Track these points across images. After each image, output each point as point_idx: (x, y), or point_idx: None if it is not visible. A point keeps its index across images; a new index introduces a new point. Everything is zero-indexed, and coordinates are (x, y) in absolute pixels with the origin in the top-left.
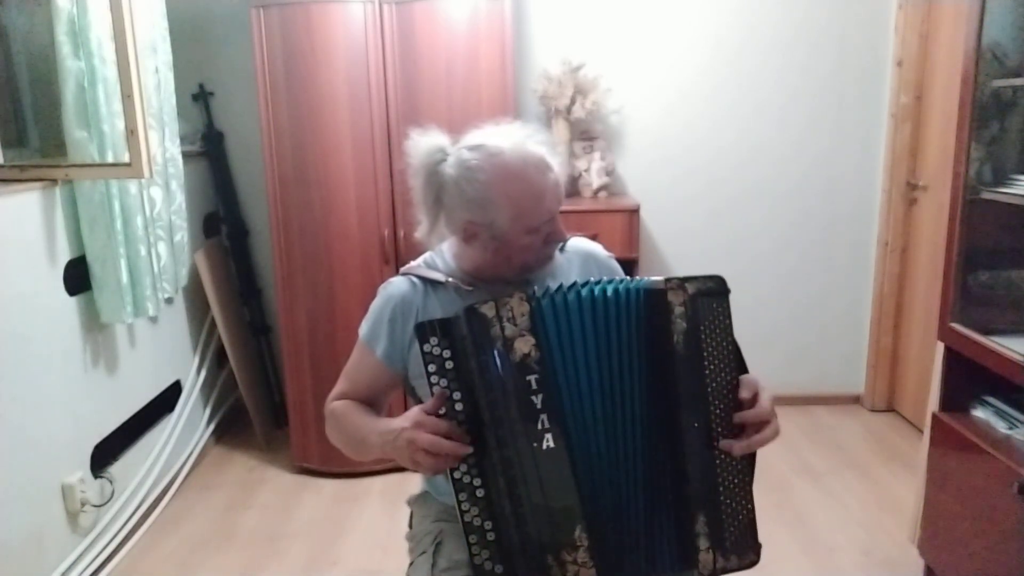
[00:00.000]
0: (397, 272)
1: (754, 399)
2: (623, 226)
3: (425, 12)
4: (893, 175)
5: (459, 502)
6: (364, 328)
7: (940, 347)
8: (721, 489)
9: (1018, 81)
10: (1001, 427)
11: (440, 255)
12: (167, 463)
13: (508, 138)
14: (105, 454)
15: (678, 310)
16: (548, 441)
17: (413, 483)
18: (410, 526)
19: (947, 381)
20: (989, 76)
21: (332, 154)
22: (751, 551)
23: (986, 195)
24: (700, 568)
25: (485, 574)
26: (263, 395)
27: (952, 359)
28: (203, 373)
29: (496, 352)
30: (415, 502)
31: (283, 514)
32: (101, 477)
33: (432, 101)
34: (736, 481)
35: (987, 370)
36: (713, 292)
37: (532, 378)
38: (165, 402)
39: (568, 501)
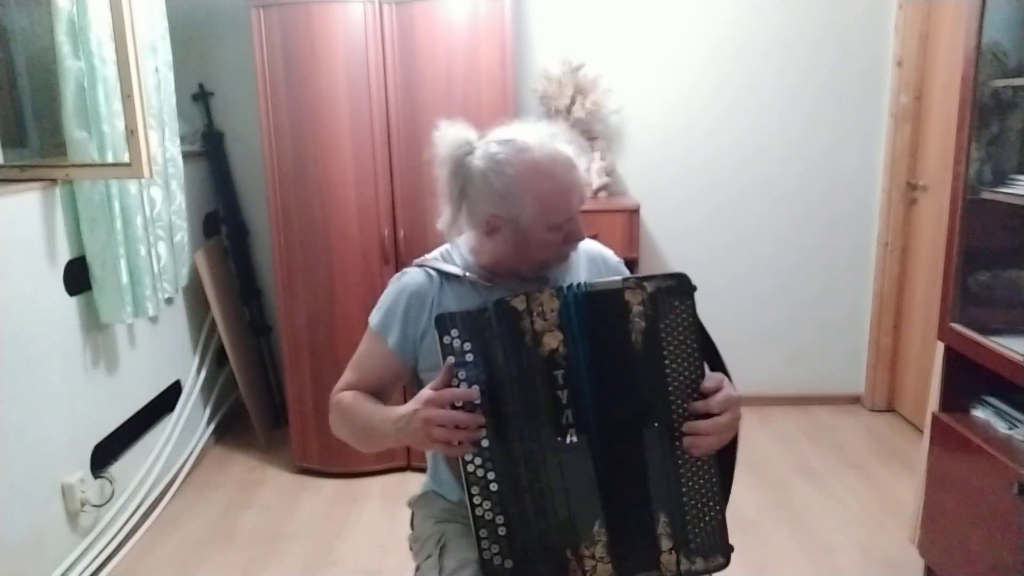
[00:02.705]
0: (397, 272)
1: (715, 394)
2: (623, 226)
3: (425, 12)
4: (893, 175)
5: (470, 496)
6: (376, 317)
7: (940, 347)
8: (685, 490)
9: (1018, 81)
10: (1001, 427)
11: (456, 249)
12: (167, 463)
13: (537, 135)
14: (105, 454)
15: (636, 309)
16: (572, 436)
17: (413, 483)
18: (412, 527)
19: (947, 381)
20: (989, 76)
21: (332, 154)
22: (719, 554)
23: (986, 195)
24: (662, 569)
25: (494, 569)
26: (263, 395)
27: (952, 359)
28: (203, 373)
29: (525, 346)
30: (416, 503)
31: (283, 514)
32: (101, 477)
33: (432, 101)
34: (702, 482)
35: (987, 370)
36: (674, 291)
37: (559, 373)
38: (165, 402)
39: (589, 496)
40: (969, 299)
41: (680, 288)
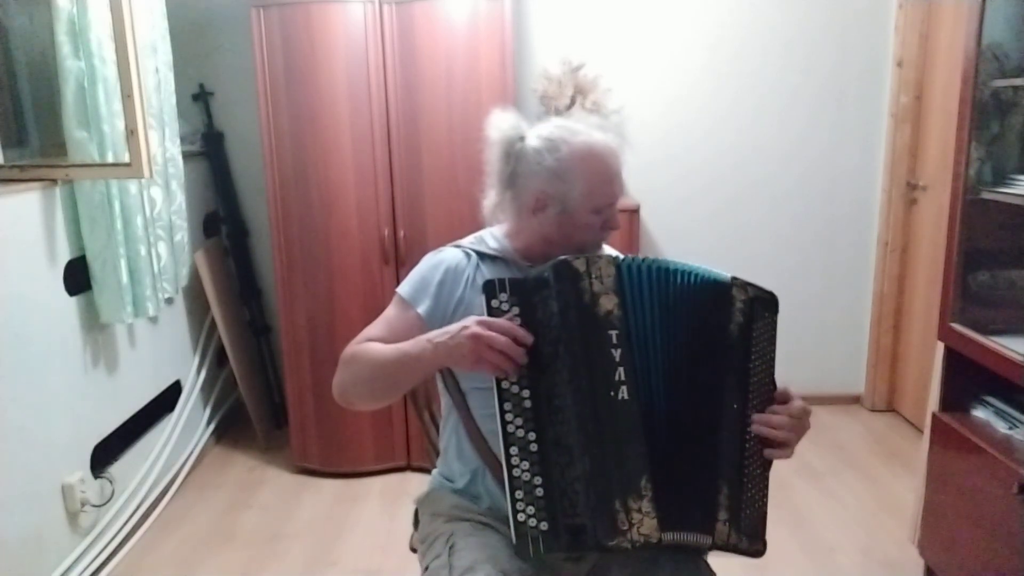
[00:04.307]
0: (397, 272)
1: (787, 400)
2: (623, 226)
3: (425, 12)
4: (893, 175)
5: (508, 456)
6: (406, 287)
7: (940, 347)
8: (745, 472)
9: (1018, 81)
10: (1001, 427)
11: (490, 236)
12: (167, 463)
13: (588, 124)
14: (105, 454)
15: (738, 305)
16: (623, 392)
17: (413, 483)
18: (415, 527)
19: (947, 381)
20: (989, 76)
21: (332, 154)
22: (760, 541)
23: (986, 195)
24: (715, 537)
25: (528, 531)
26: (263, 395)
27: (952, 359)
28: (203, 373)
29: (583, 304)
30: (424, 501)
31: (283, 514)
32: (101, 477)
33: (432, 101)
34: (758, 472)
35: (987, 370)
36: (767, 303)
37: (613, 333)
38: (165, 402)
39: (637, 451)
40: (969, 299)
41: (772, 303)
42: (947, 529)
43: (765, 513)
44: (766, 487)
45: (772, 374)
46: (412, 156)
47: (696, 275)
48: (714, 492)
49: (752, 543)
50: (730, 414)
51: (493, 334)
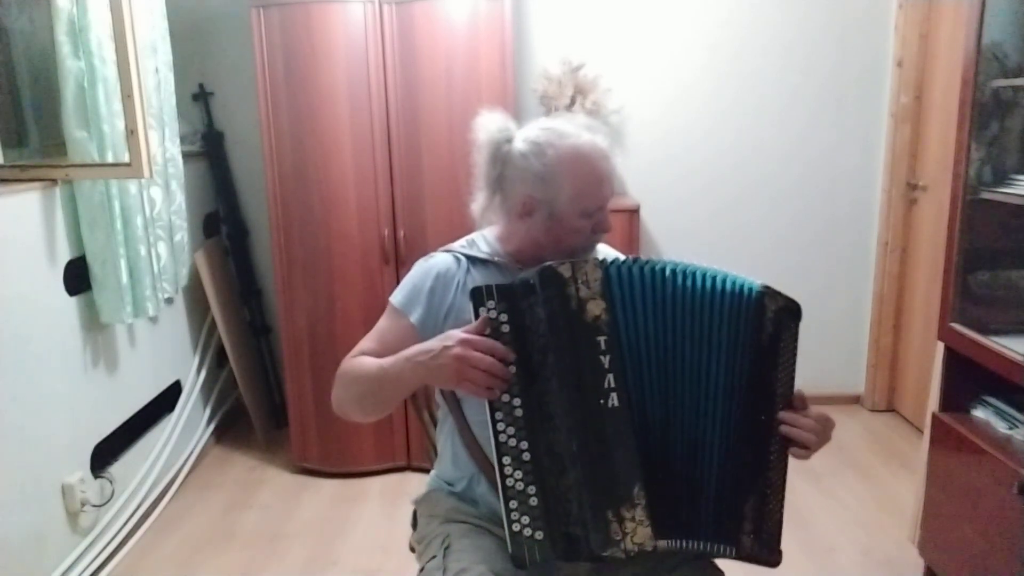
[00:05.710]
0: (397, 272)
1: (804, 408)
2: (623, 226)
3: (425, 12)
4: (893, 175)
5: (501, 467)
6: (398, 296)
7: (940, 347)
8: (769, 484)
9: (1018, 81)
10: (1001, 427)
11: (482, 238)
12: (167, 463)
13: (577, 126)
14: (105, 454)
15: (770, 314)
16: (613, 400)
17: (413, 483)
18: (413, 527)
19: (947, 381)
20: (989, 76)
21: (332, 154)
22: (776, 552)
23: (986, 195)
24: (738, 547)
25: (523, 540)
26: (263, 395)
27: (952, 359)
28: (203, 373)
29: (569, 311)
30: (421, 502)
31: (283, 514)
32: (101, 477)
33: (432, 101)
34: (779, 482)
35: (987, 370)
36: (794, 313)
37: (601, 339)
38: (165, 402)
39: (629, 459)
40: (969, 299)
41: (798, 313)
42: (947, 529)
43: (781, 523)
44: (783, 497)
45: (792, 386)
46: (412, 156)
47: (699, 274)
48: (739, 503)
49: (771, 553)
50: (758, 425)
51: (477, 354)
